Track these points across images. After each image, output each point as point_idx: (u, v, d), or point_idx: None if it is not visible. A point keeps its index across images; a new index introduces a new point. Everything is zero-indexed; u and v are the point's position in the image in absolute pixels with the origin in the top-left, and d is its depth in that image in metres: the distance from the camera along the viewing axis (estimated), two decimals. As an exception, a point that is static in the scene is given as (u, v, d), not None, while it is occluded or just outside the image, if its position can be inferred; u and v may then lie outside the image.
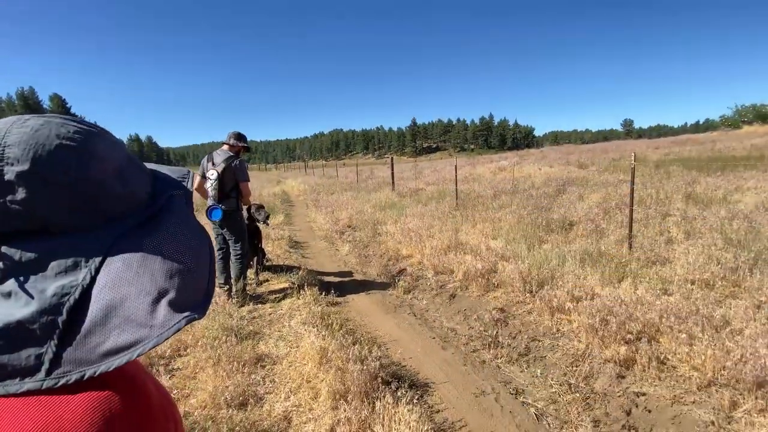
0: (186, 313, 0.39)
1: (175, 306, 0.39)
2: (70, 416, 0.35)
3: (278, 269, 4.91)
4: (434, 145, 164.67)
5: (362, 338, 3.02)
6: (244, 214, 4.09)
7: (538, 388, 2.52)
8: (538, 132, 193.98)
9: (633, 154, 4.55)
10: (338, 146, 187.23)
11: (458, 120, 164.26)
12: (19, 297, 0.37)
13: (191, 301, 0.41)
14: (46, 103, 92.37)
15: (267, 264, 5.07)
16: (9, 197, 0.38)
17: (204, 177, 3.58)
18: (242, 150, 3.76)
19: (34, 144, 0.38)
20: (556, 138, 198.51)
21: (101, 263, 0.39)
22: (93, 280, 0.38)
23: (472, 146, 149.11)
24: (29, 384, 0.35)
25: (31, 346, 0.36)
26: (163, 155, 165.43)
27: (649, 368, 2.41)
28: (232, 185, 3.60)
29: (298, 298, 3.83)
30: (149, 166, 0.53)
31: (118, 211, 0.43)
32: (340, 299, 4.06)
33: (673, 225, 5.23)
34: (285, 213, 9.70)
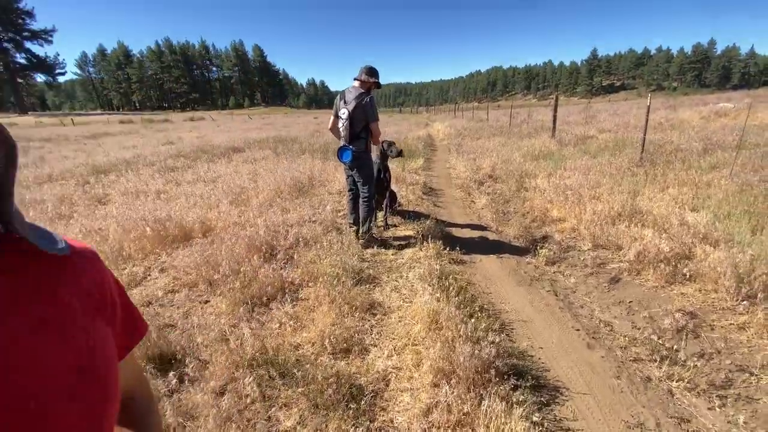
0: None
1: None
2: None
3: (408, 215, 4.76)
4: (618, 83, 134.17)
5: (482, 310, 2.60)
6: (374, 154, 3.96)
7: (740, 446, 1.68)
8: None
9: None
10: (495, 86, 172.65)
11: (658, 49, 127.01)
12: None
13: None
14: (251, 53, 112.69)
15: (398, 208, 4.99)
16: None
17: (336, 116, 3.51)
18: (373, 86, 3.49)
19: None
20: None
21: None
22: None
23: (674, 84, 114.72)
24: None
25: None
26: (333, 97, 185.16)
27: None
28: (362, 125, 3.44)
29: (421, 250, 3.60)
30: None
31: None
32: (465, 257, 3.66)
33: None
34: (425, 157, 9.44)
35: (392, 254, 3.61)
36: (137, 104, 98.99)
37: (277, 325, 2.49)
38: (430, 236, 3.76)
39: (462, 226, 4.61)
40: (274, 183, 5.98)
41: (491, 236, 4.25)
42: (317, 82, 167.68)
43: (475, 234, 4.34)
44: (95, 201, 6.05)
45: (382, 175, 4.32)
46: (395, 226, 4.40)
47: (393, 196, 4.77)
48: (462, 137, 13.24)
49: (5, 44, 52.85)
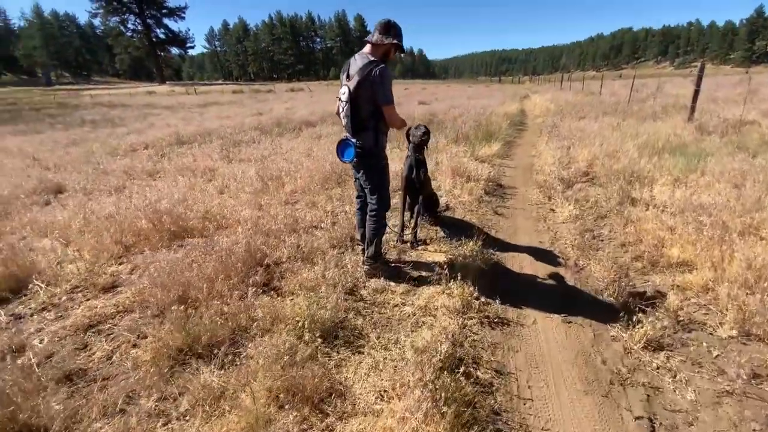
0: None
1: None
2: None
3: (453, 226, 3.62)
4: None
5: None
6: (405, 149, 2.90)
7: None
8: None
9: None
10: (620, 52, 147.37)
11: None
12: None
13: None
14: (352, 23, 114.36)
15: (441, 213, 3.87)
16: None
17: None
18: (393, 49, 2.38)
19: None
20: None
21: None
22: None
23: None
24: None
25: None
26: (429, 67, 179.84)
27: None
28: (370, 109, 2.38)
29: (444, 292, 2.52)
30: None
31: None
32: (511, 313, 2.46)
33: None
34: (506, 140, 7.80)
35: (401, 294, 2.59)
36: (252, 75, 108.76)
37: (187, 407, 1.75)
38: (460, 272, 2.63)
39: (523, 251, 3.32)
40: (314, 169, 5.29)
41: (564, 276, 2.91)
42: (415, 51, 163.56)
43: (540, 268, 3.03)
44: (148, 176, 6.12)
45: (413, 173, 3.25)
46: (426, 243, 3.32)
47: (432, 201, 3.66)
48: (561, 115, 10.94)
49: (149, 20, 61.73)
